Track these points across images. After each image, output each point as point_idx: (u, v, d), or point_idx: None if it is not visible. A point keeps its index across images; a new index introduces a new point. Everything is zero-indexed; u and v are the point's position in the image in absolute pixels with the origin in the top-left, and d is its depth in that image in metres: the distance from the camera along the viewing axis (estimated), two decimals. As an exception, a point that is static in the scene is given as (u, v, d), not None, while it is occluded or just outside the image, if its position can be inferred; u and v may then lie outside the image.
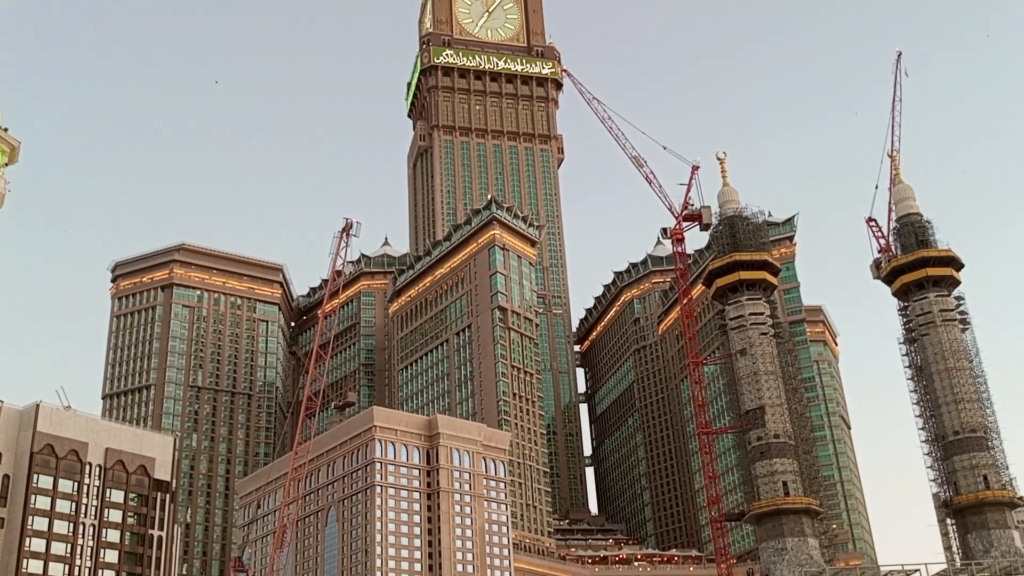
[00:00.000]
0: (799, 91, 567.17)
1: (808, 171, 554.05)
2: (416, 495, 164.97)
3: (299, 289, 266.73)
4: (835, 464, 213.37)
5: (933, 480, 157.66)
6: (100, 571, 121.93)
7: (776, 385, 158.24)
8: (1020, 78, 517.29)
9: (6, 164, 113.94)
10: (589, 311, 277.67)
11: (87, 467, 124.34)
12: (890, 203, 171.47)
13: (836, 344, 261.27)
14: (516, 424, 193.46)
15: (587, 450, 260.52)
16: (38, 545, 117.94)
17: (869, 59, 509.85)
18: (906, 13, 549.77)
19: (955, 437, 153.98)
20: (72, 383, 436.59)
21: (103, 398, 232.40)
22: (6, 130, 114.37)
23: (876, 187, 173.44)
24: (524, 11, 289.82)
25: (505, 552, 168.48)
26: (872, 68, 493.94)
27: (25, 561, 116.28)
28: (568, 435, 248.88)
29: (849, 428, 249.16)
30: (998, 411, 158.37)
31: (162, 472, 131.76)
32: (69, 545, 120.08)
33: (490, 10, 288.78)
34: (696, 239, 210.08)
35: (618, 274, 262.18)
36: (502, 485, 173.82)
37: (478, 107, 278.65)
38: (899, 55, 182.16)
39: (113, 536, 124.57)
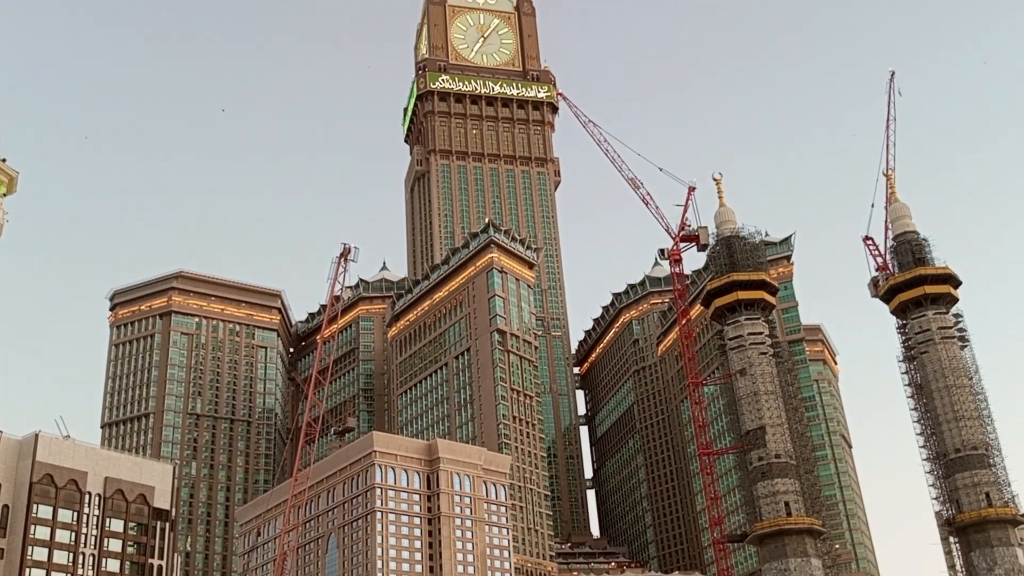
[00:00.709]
0: (794, 110, 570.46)
1: (804, 190, 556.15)
2: (417, 520, 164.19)
3: (298, 315, 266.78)
4: (837, 483, 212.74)
5: (935, 498, 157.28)
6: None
7: (776, 405, 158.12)
8: (1016, 95, 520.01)
9: (4, 194, 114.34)
10: (588, 333, 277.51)
11: (86, 496, 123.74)
12: (886, 221, 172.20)
13: (836, 363, 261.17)
14: (516, 447, 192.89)
15: (588, 472, 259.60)
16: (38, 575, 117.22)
17: (864, 77, 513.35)
18: (902, 31, 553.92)
19: (956, 455, 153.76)
20: (71, 412, 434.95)
21: (102, 427, 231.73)
22: (4, 160, 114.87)
23: (872, 206, 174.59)
24: (519, 36, 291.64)
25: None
26: (868, 86, 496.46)
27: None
28: (569, 458, 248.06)
29: (850, 447, 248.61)
30: (999, 428, 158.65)
31: (162, 501, 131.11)
32: (69, 575, 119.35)
33: (485, 35, 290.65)
34: (694, 260, 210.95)
35: (616, 295, 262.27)
36: (503, 509, 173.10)
37: (474, 131, 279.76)
38: (892, 75, 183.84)
39: (113, 566, 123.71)
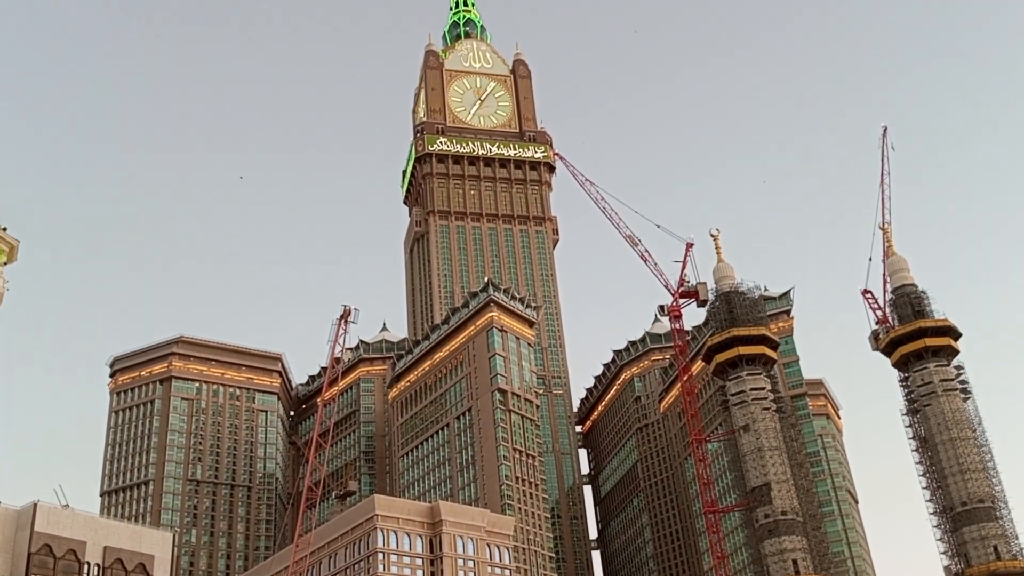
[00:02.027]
0: (789, 164, 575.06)
1: (802, 244, 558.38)
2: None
3: (298, 377, 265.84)
4: (844, 540, 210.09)
5: (944, 552, 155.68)
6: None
7: (781, 461, 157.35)
8: (1011, 145, 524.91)
9: (5, 263, 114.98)
10: (589, 391, 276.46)
11: (85, 566, 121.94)
12: (884, 274, 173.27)
13: (839, 417, 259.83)
14: (520, 508, 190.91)
15: (592, 533, 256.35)
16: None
17: (860, 129, 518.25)
18: (894, 85, 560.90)
19: (963, 508, 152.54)
20: (71, 481, 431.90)
21: (101, 495, 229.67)
22: (5, 229, 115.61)
23: (870, 259, 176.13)
24: (515, 98, 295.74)
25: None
26: (864, 138, 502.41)
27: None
28: (573, 518, 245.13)
29: (856, 502, 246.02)
30: (1004, 480, 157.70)
31: (161, 570, 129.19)
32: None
33: (482, 98, 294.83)
34: (694, 315, 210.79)
35: (617, 352, 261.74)
36: (507, 572, 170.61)
37: (472, 192, 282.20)
38: (884, 130, 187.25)
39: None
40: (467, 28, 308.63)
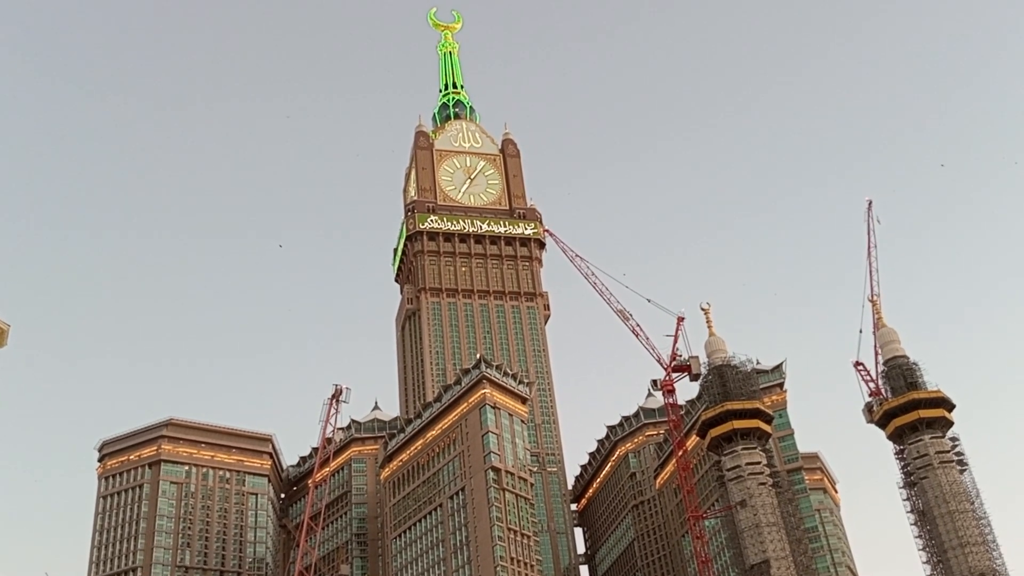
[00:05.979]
0: (778, 238, 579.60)
1: (792, 316, 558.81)
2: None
3: (289, 459, 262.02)
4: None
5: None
6: None
7: (779, 537, 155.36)
8: (995, 212, 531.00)
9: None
10: (584, 467, 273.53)
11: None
12: (875, 346, 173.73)
13: (836, 491, 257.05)
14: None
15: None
16: None
17: (846, 199, 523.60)
18: (877, 155, 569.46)
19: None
20: (58, 569, 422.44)
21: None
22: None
23: (860, 331, 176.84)
24: (504, 176, 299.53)
25: None
26: (849, 208, 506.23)
27: None
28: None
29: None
30: (1004, 552, 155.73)
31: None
32: None
33: (472, 177, 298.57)
34: (687, 390, 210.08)
35: (611, 428, 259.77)
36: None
37: (464, 269, 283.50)
38: (869, 204, 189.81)
39: None
40: (456, 109, 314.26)
